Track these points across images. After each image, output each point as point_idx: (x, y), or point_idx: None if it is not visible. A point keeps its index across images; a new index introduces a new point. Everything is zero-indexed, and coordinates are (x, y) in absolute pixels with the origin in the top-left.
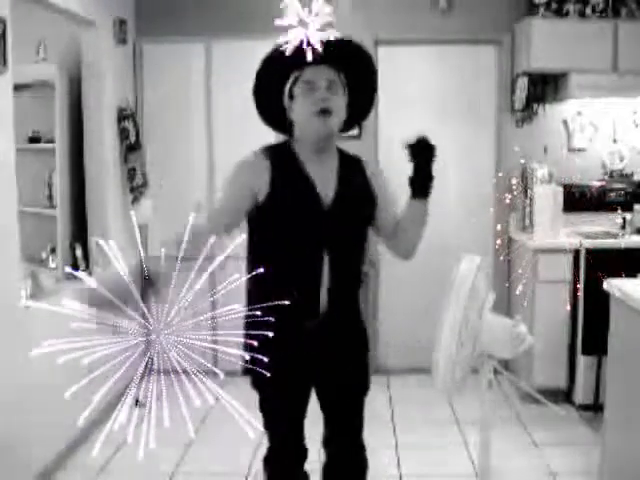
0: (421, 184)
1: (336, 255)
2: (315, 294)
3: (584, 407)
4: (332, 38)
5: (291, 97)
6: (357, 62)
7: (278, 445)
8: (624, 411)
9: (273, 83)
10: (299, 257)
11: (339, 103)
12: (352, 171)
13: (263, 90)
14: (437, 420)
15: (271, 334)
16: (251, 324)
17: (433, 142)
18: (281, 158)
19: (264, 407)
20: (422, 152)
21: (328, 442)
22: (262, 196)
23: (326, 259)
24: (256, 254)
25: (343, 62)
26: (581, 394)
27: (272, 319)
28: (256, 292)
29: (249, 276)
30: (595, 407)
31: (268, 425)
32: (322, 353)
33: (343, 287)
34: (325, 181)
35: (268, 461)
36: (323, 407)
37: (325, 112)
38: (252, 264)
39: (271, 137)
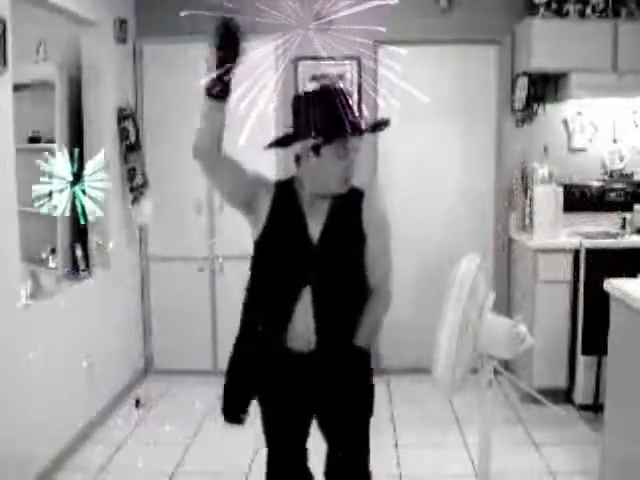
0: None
1: (320, 289)
2: (286, 320)
3: (584, 407)
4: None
5: (316, 151)
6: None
7: (280, 470)
8: (624, 411)
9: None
10: (281, 286)
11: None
12: (345, 208)
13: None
14: (437, 420)
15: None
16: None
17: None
18: (285, 191)
19: (265, 430)
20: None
21: (331, 471)
22: (260, 223)
23: (307, 290)
24: (251, 277)
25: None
26: (581, 394)
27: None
28: (246, 314)
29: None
30: (595, 407)
31: (269, 449)
32: (317, 383)
33: (330, 322)
34: (316, 218)
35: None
36: (326, 436)
37: (348, 180)
38: (248, 287)
39: (270, 137)
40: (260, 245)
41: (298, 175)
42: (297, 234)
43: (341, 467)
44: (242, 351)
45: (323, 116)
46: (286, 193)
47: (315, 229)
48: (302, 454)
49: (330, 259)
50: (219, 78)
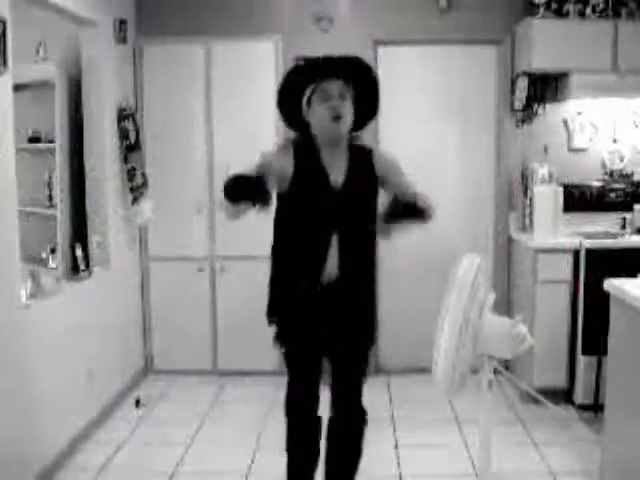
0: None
1: (344, 232)
2: (321, 263)
3: (584, 407)
4: (340, 56)
5: (309, 104)
6: (363, 75)
7: (295, 389)
8: (624, 411)
9: (294, 92)
10: (311, 233)
11: (348, 109)
12: (360, 161)
13: (285, 98)
14: (437, 420)
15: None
16: (274, 283)
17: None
18: (303, 148)
19: (286, 355)
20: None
21: (334, 403)
22: (288, 175)
23: (335, 235)
24: (279, 226)
25: (351, 76)
26: (581, 394)
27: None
28: (278, 258)
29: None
30: (595, 407)
31: (289, 370)
32: (333, 312)
33: (352, 258)
34: (336, 169)
35: (287, 405)
36: (331, 361)
37: (337, 118)
38: (276, 234)
39: (270, 137)
40: (288, 196)
41: (314, 133)
42: (320, 184)
43: (341, 390)
44: (278, 287)
45: (304, 69)
46: (305, 151)
47: (337, 179)
48: (316, 386)
49: (351, 204)
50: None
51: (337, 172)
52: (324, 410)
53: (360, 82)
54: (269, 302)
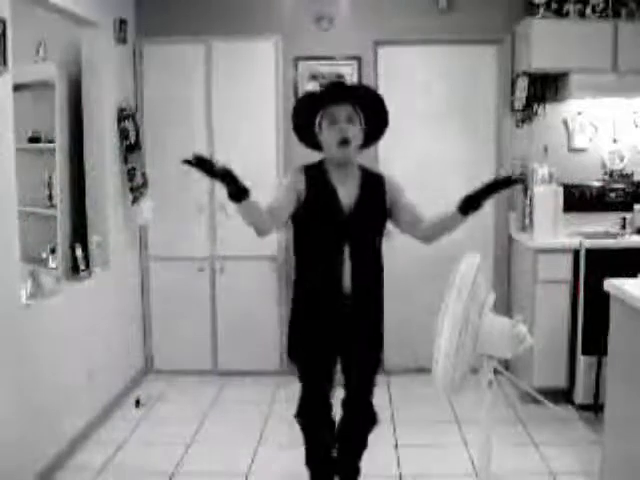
0: (474, 207)
1: (355, 248)
2: (339, 276)
3: (584, 407)
4: (349, 84)
5: (320, 127)
6: (369, 99)
7: (308, 395)
8: (624, 411)
9: (307, 117)
10: (325, 249)
11: (355, 132)
12: (371, 185)
13: (300, 122)
14: (437, 420)
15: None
16: (295, 292)
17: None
18: (314, 173)
19: (299, 366)
20: (500, 187)
21: (345, 405)
22: (301, 200)
23: (347, 251)
24: (297, 246)
25: (358, 100)
26: (581, 394)
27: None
28: (298, 273)
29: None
30: (595, 407)
31: (302, 380)
32: (346, 323)
33: (363, 271)
34: (347, 191)
35: (300, 412)
36: (343, 367)
37: (344, 142)
38: (295, 253)
39: (270, 137)
40: (302, 211)
41: (325, 156)
42: (331, 206)
43: (352, 394)
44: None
45: (314, 95)
46: (316, 174)
47: (347, 200)
48: (329, 390)
49: (362, 225)
50: (230, 195)
51: (348, 194)
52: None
53: (368, 106)
54: (292, 320)
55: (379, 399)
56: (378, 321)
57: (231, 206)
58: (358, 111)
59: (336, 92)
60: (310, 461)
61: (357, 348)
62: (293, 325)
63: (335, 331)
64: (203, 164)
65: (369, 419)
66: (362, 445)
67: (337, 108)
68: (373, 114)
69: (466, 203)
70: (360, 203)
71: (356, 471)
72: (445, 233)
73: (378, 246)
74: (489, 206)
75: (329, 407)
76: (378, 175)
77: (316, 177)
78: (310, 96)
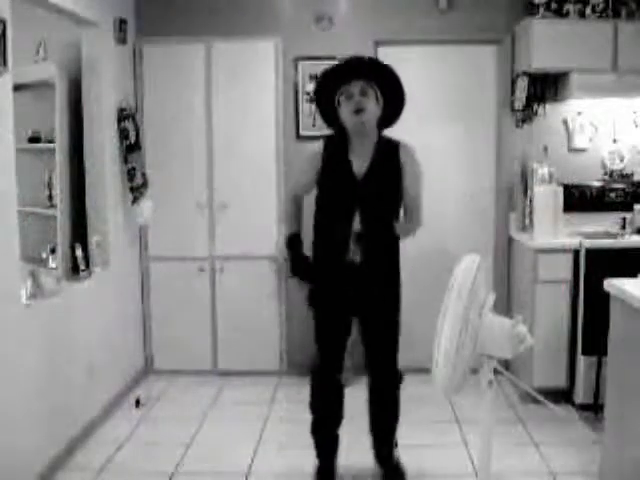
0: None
1: (365, 213)
2: (346, 240)
3: (584, 407)
4: (364, 59)
5: (339, 105)
6: (384, 75)
7: (323, 355)
8: (624, 411)
9: (327, 98)
10: (338, 212)
11: (370, 104)
12: (386, 154)
13: (322, 103)
14: (437, 420)
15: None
16: (314, 253)
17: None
18: (333, 143)
19: (315, 323)
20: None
21: (368, 369)
22: (319, 169)
23: (357, 217)
24: (316, 207)
25: (373, 76)
26: (581, 394)
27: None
28: (315, 232)
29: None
30: (595, 407)
31: (317, 335)
32: (358, 284)
33: (373, 235)
34: (362, 159)
35: (313, 372)
36: (362, 330)
37: (359, 110)
38: (315, 213)
39: (270, 136)
40: (319, 184)
41: (346, 129)
42: (343, 173)
43: (375, 356)
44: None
45: (330, 76)
46: (335, 145)
47: (360, 168)
48: (341, 353)
49: (372, 191)
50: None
51: (362, 162)
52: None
53: (382, 80)
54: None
55: None
56: (392, 285)
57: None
58: (374, 87)
59: (350, 70)
60: (315, 429)
61: (371, 311)
62: (313, 279)
63: (347, 294)
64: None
65: (393, 382)
66: (394, 408)
67: (352, 84)
68: (389, 90)
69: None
70: (371, 171)
71: (391, 443)
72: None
73: (392, 214)
74: (489, 206)
75: (341, 370)
76: (395, 143)
77: (333, 147)
78: (326, 76)
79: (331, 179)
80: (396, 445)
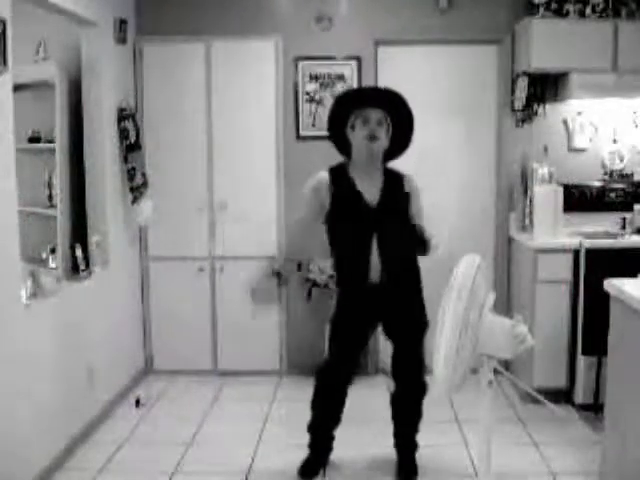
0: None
1: (383, 239)
2: (366, 265)
3: (584, 407)
4: (384, 89)
5: (352, 128)
6: (399, 107)
7: (335, 359)
8: (624, 411)
9: (341, 118)
10: (356, 241)
11: (383, 134)
12: (393, 184)
13: (334, 123)
14: (437, 420)
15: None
16: (337, 281)
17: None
18: (339, 176)
19: (333, 332)
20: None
21: (396, 378)
22: (327, 203)
23: (375, 242)
24: (332, 241)
25: (389, 107)
26: (581, 394)
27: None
28: (335, 264)
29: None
30: (595, 407)
31: (331, 344)
32: (383, 305)
33: (392, 259)
34: (371, 190)
35: (320, 373)
36: (393, 343)
37: (373, 138)
38: (331, 247)
39: (270, 136)
40: (330, 211)
41: (350, 160)
42: (356, 203)
43: (405, 357)
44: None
45: (350, 97)
46: (341, 176)
47: (372, 196)
48: (355, 360)
49: (387, 218)
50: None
51: (372, 192)
52: None
53: (397, 114)
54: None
55: (379, 399)
56: (417, 301)
57: None
58: (387, 120)
59: (370, 96)
60: (313, 427)
61: (398, 327)
62: (338, 306)
63: (370, 314)
64: None
65: (419, 393)
66: (417, 414)
67: (371, 110)
68: (402, 124)
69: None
70: (384, 196)
71: (414, 445)
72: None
73: (408, 235)
74: (489, 206)
75: (350, 376)
76: (399, 174)
77: (341, 179)
78: (346, 97)
79: (344, 211)
80: (417, 447)
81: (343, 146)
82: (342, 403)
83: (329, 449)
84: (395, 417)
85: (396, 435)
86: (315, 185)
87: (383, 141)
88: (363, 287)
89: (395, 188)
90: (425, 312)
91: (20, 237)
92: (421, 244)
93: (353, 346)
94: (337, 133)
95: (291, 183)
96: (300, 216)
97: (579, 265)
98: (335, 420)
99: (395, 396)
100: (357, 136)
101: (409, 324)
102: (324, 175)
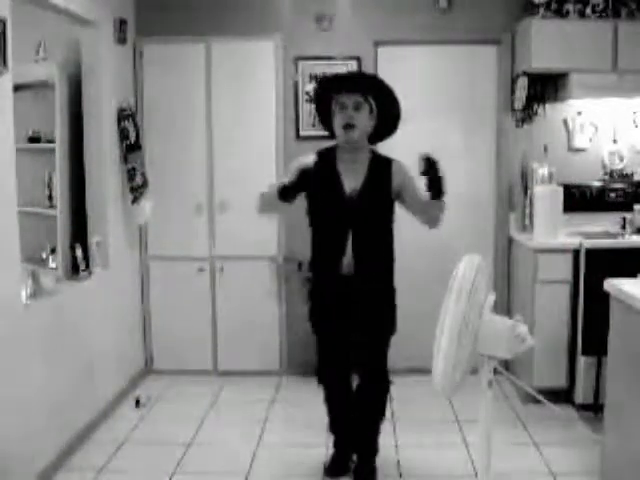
0: (435, 191)
1: (357, 231)
2: (339, 256)
3: (584, 407)
4: (361, 74)
5: (333, 114)
6: (381, 90)
7: (322, 362)
8: (624, 411)
9: (324, 103)
10: (330, 231)
11: (362, 119)
12: (379, 170)
13: (318, 106)
14: (437, 420)
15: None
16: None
17: (435, 158)
18: (325, 159)
19: (314, 330)
20: (431, 167)
21: (358, 372)
22: (306, 182)
23: (350, 233)
24: (310, 225)
25: (370, 90)
26: (581, 394)
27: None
28: (312, 251)
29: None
30: (595, 407)
31: (317, 344)
32: (353, 298)
33: (365, 253)
34: (354, 177)
35: (317, 373)
36: (354, 338)
37: (348, 126)
38: (311, 232)
39: (270, 136)
40: (310, 202)
41: (337, 142)
42: (334, 192)
43: (366, 368)
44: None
45: (327, 83)
46: (328, 157)
47: (352, 185)
48: (341, 358)
49: (363, 208)
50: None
51: (354, 179)
52: None
53: (379, 95)
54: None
55: None
56: (386, 300)
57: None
58: (369, 100)
59: (346, 81)
60: (331, 426)
61: (364, 322)
62: (311, 296)
63: (342, 305)
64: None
65: (380, 386)
66: (379, 412)
67: (347, 96)
68: (385, 105)
69: (431, 191)
70: (364, 189)
71: (374, 449)
72: (437, 215)
73: (385, 230)
74: (489, 206)
75: (345, 375)
76: (387, 160)
77: (325, 162)
78: (323, 83)
79: (321, 198)
80: (377, 452)
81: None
82: (348, 398)
83: (351, 447)
84: (357, 417)
85: (356, 435)
86: (303, 169)
87: (362, 126)
88: (334, 276)
89: (380, 174)
90: (395, 316)
91: (20, 237)
92: (434, 212)
93: (333, 339)
94: (326, 118)
95: None
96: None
97: (579, 265)
98: (348, 416)
99: (357, 392)
100: (336, 124)
101: (377, 322)
102: (311, 161)
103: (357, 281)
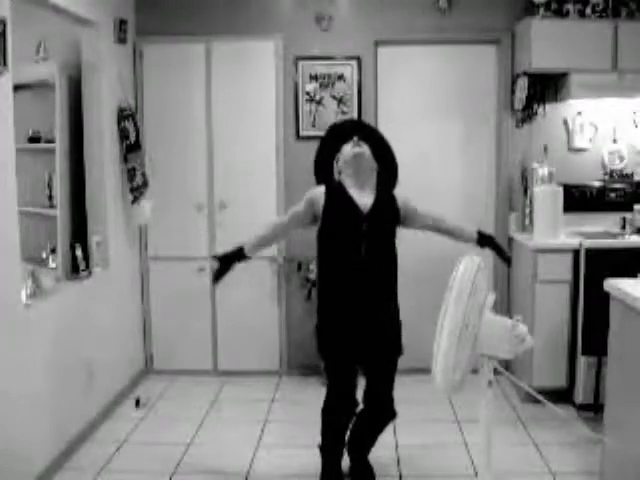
0: (486, 245)
1: (371, 246)
2: (357, 269)
3: (584, 407)
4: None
5: (337, 161)
6: (376, 137)
7: (333, 391)
8: (624, 411)
9: (328, 156)
10: (346, 247)
11: (368, 152)
12: (386, 198)
13: (320, 165)
14: (437, 420)
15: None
16: (321, 289)
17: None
18: (334, 186)
19: (324, 357)
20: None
21: (366, 400)
22: (319, 213)
23: (363, 250)
24: (321, 247)
25: (368, 137)
26: (581, 394)
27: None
28: (323, 271)
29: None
30: (595, 407)
31: (328, 377)
32: (364, 324)
33: (378, 265)
34: (364, 198)
35: (325, 409)
36: (365, 366)
37: (358, 146)
38: (319, 253)
39: (270, 136)
40: (323, 229)
41: (341, 179)
42: (348, 208)
43: (375, 392)
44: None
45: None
46: (336, 187)
47: (363, 205)
48: (353, 384)
49: (377, 224)
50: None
51: (364, 201)
52: None
53: (375, 142)
54: (318, 320)
55: None
56: (396, 324)
57: None
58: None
59: (352, 128)
60: (325, 448)
61: (375, 349)
62: (321, 325)
63: (357, 331)
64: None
65: (387, 414)
66: (375, 438)
67: (357, 140)
68: (386, 157)
69: (485, 241)
70: (375, 207)
71: (369, 469)
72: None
73: (393, 245)
74: (489, 206)
75: (354, 403)
76: (392, 193)
77: (335, 189)
78: (331, 132)
79: (337, 215)
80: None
81: (325, 175)
82: (346, 430)
83: (340, 455)
84: (354, 436)
85: (351, 452)
86: (312, 197)
87: (370, 159)
88: (349, 295)
89: (387, 204)
90: (401, 335)
91: (20, 237)
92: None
93: (346, 370)
94: (324, 164)
95: (291, 183)
96: (281, 220)
97: (579, 265)
98: (342, 445)
99: (361, 416)
100: (344, 154)
101: (383, 346)
102: (321, 189)
103: (372, 298)
